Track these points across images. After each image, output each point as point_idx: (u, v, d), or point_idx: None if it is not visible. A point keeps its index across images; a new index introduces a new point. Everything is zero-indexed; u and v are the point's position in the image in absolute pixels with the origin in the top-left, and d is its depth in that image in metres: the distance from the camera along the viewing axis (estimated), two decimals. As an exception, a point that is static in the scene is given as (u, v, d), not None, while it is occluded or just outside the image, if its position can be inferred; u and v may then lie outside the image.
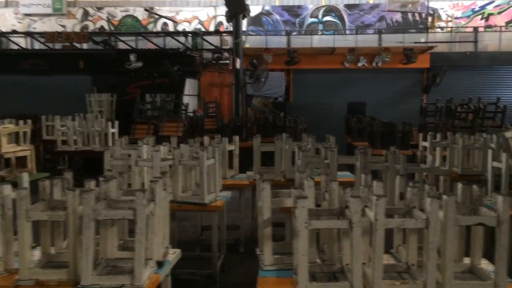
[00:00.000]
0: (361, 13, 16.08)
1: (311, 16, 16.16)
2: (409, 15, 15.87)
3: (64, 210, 2.60)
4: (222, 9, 16.35)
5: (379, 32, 15.36)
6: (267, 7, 16.19)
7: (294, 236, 2.39)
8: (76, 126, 8.71)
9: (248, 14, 10.78)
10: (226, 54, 12.87)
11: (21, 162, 6.08)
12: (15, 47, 14.11)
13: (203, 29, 16.04)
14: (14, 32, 13.78)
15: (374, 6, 16.13)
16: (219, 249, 4.81)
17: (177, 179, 4.40)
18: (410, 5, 14.81)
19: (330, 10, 16.10)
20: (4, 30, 16.19)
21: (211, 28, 16.12)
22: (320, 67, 13.61)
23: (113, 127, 8.78)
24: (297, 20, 16.21)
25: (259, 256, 2.79)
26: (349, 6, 16.07)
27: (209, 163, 4.43)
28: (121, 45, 13.97)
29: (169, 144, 5.23)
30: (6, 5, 16.76)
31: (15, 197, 2.68)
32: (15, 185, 5.41)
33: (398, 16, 15.95)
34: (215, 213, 4.54)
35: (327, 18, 16.11)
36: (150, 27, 16.69)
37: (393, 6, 14.86)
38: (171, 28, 16.48)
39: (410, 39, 14.39)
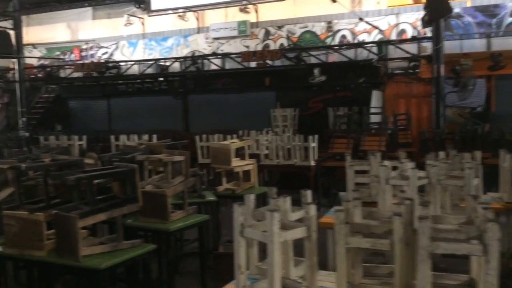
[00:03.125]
0: None
1: (512, 15, 14.21)
2: None
3: (382, 238, 2.34)
4: (405, 17, 15.51)
5: None
6: (457, 10, 14.76)
7: None
8: (278, 141, 8.92)
9: (450, 16, 9.83)
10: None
11: (245, 175, 6.31)
12: (208, 69, 15.49)
13: (384, 39, 15.37)
14: (214, 54, 15.07)
15: None
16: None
17: (434, 201, 3.92)
18: None
19: (538, 4, 13.94)
20: (196, 54, 17.96)
21: (393, 37, 15.35)
22: (531, 71, 11.74)
23: (313, 141, 8.76)
24: (494, 20, 14.41)
25: None
26: None
27: (475, 183, 3.86)
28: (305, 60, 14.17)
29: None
30: (198, 31, 18.54)
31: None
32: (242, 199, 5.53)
33: None
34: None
35: (534, 14, 13.97)
36: (328, 40, 16.67)
37: None
38: (350, 40, 16.21)
39: None
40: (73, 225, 3.35)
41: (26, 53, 18.97)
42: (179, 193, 4.82)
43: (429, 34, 11.39)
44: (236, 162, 6.11)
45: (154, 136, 8.72)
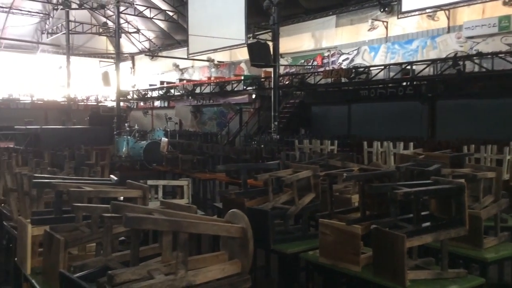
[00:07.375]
0: None
1: None
2: None
3: None
4: None
5: None
6: None
7: None
8: None
9: None
10: None
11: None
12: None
13: None
14: (479, 54, 13.51)
15: None
16: None
17: None
18: None
19: None
20: (444, 55, 16.44)
21: None
22: None
23: None
24: None
25: None
26: None
27: None
28: None
29: None
30: (449, 30, 16.96)
31: None
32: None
33: None
34: None
35: None
36: None
37: None
38: None
39: None
40: (399, 244, 3.02)
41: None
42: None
43: None
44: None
45: (399, 145, 8.03)
